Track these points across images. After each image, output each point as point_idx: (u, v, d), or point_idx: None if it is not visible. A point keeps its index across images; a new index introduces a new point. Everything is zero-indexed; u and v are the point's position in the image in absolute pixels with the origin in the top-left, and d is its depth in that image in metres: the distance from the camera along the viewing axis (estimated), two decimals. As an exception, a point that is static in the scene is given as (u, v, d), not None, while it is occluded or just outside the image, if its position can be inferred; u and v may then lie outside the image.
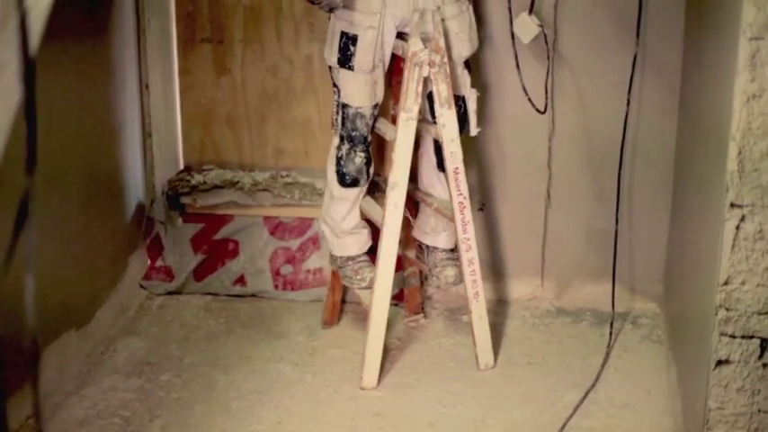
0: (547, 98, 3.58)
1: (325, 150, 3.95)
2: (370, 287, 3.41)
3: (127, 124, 3.89)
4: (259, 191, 3.96)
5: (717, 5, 2.81)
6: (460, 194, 3.31)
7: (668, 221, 3.74)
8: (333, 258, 3.64)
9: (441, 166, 3.44)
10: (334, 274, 3.72)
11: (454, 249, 3.54)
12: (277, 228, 4.00)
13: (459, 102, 3.39)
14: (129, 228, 3.96)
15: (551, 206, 3.86)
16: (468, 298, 3.44)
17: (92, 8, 3.60)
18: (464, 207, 3.33)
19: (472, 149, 3.73)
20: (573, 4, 3.67)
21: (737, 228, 2.44)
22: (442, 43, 3.17)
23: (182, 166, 4.12)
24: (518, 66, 3.49)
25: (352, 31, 3.28)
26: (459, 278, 3.49)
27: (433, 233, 3.64)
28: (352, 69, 3.30)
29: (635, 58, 3.44)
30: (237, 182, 3.98)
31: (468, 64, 3.43)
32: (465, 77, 3.42)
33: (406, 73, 3.18)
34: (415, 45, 3.15)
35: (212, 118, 4.04)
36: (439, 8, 3.26)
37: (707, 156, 2.83)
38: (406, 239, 3.71)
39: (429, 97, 3.31)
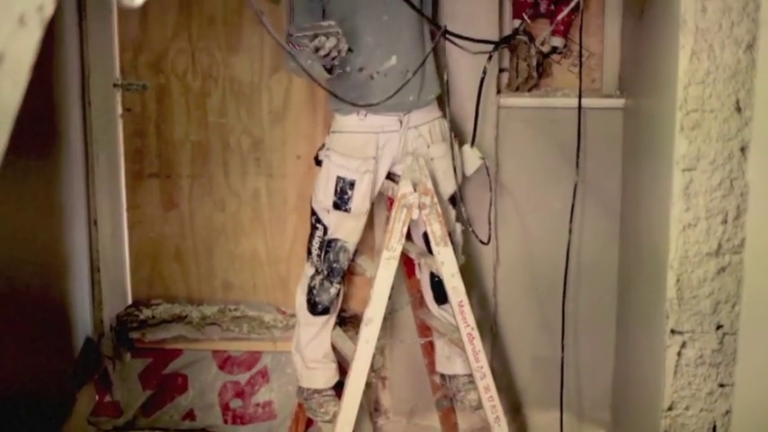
0: (490, 229, 3.63)
1: (272, 284, 3.98)
2: (332, 421, 3.42)
3: (75, 259, 3.90)
4: (208, 325, 3.95)
5: (651, 137, 2.89)
6: (468, 326, 3.34)
7: (614, 347, 3.78)
8: (299, 390, 3.64)
9: (437, 299, 3.52)
10: (300, 405, 3.71)
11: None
12: (226, 362, 3.99)
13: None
14: (77, 363, 3.93)
15: (497, 335, 3.89)
16: (489, 423, 3.46)
17: (41, 145, 3.62)
18: (473, 338, 3.35)
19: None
20: (513, 137, 3.76)
21: (679, 354, 2.48)
22: (429, 185, 3.20)
23: (130, 301, 4.11)
24: (461, 197, 3.55)
25: (349, 177, 3.29)
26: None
27: (448, 362, 3.67)
28: (349, 212, 3.33)
29: (575, 186, 3.49)
30: (186, 316, 3.98)
31: (453, 199, 3.50)
32: (450, 212, 3.48)
33: (393, 213, 3.20)
34: (405, 187, 3.18)
35: (160, 252, 4.06)
36: (429, 147, 3.34)
37: (647, 283, 2.88)
38: (431, 365, 3.77)
39: (424, 235, 3.37)
